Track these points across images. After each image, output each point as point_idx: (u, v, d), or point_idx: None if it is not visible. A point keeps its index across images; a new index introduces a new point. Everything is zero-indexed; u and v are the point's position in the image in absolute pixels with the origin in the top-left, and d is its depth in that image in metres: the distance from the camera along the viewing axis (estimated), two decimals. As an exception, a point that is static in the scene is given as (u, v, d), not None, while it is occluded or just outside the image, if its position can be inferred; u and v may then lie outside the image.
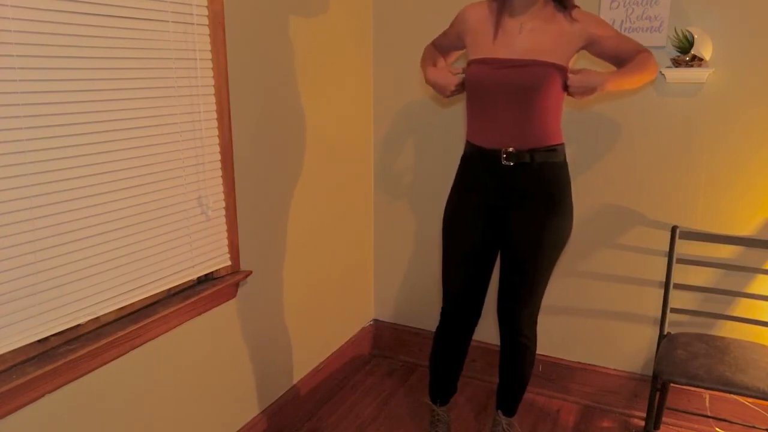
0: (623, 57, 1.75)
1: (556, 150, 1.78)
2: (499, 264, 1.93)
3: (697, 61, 2.03)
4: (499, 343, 2.02)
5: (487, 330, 2.59)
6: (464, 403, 2.51)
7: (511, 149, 1.74)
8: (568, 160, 2.36)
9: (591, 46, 1.76)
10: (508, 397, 2.06)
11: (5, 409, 1.29)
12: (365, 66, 2.59)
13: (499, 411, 2.10)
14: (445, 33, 1.95)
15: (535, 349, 1.98)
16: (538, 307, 1.92)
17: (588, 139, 2.30)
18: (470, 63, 1.77)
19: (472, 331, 2.02)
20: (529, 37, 1.71)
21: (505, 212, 1.82)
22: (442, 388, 2.13)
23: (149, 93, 1.55)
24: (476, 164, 1.83)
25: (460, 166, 1.92)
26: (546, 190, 1.79)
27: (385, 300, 2.88)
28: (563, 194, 1.81)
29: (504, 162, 1.75)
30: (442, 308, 2.00)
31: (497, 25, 1.73)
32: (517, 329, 1.92)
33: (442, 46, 1.98)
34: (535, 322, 1.94)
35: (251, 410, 2.12)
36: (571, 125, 2.32)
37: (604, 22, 1.79)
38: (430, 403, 2.18)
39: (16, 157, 1.27)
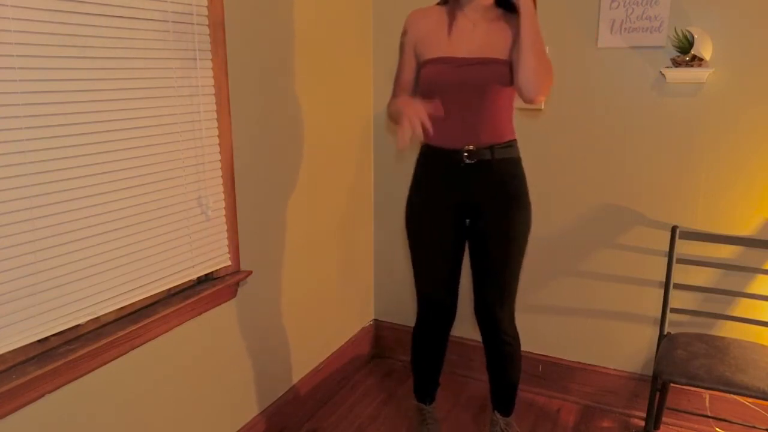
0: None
1: (512, 146, 1.83)
2: (469, 265, 1.95)
3: (697, 61, 2.03)
4: None
5: (487, 330, 2.59)
6: (463, 403, 2.51)
7: (471, 147, 1.76)
8: (571, 160, 2.37)
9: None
10: (502, 398, 2.07)
11: (5, 409, 1.29)
12: (365, 66, 2.59)
13: (496, 412, 2.10)
14: (401, 64, 1.86)
15: (520, 345, 1.99)
16: (514, 302, 1.95)
17: (588, 138, 2.30)
18: (427, 63, 1.77)
19: (451, 326, 2.05)
20: (483, 36, 1.75)
21: (471, 210, 1.85)
22: (430, 388, 2.16)
23: (149, 93, 1.55)
24: (437, 164, 1.82)
25: (417, 167, 1.91)
26: (507, 185, 1.83)
27: (385, 300, 2.88)
28: (523, 188, 1.85)
29: (466, 160, 1.77)
30: (420, 310, 2.02)
31: (451, 24, 1.75)
32: (499, 329, 1.93)
33: (404, 87, 1.87)
34: (514, 319, 1.96)
35: (251, 410, 2.12)
36: (570, 125, 2.32)
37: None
38: (419, 403, 2.20)
39: (16, 157, 1.26)
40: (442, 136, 1.78)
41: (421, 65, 1.79)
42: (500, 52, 1.74)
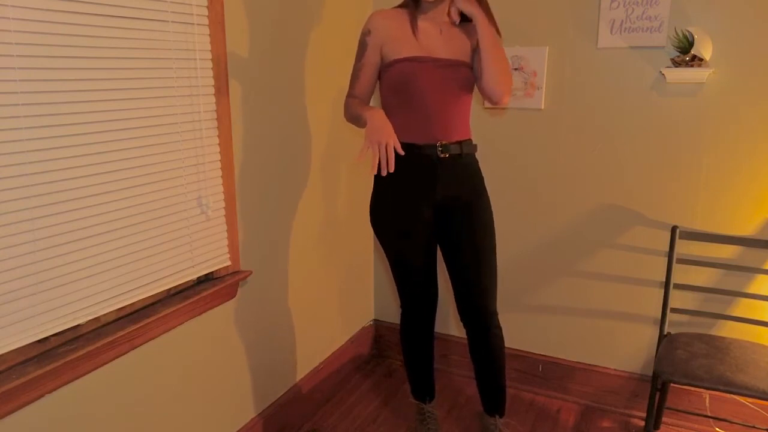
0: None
1: (472, 142, 1.92)
2: (445, 265, 1.98)
3: (697, 61, 2.03)
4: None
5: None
6: (463, 403, 2.51)
7: (445, 142, 1.83)
8: (571, 160, 2.38)
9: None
10: (499, 396, 2.07)
11: (5, 409, 1.29)
12: (365, 66, 2.58)
13: (496, 415, 2.09)
14: (360, 64, 1.85)
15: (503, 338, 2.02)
16: (497, 294, 1.99)
17: (588, 138, 2.30)
18: (401, 60, 1.78)
19: (434, 320, 2.10)
20: (449, 40, 1.83)
21: (444, 204, 1.89)
22: (428, 384, 2.18)
23: (149, 93, 1.55)
24: (409, 161, 1.83)
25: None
26: (474, 179, 1.92)
27: (385, 300, 2.88)
28: (483, 181, 1.95)
29: (441, 155, 1.82)
30: (405, 308, 2.06)
31: (415, 28, 1.80)
32: (491, 323, 1.96)
33: (363, 87, 1.87)
34: (497, 312, 1.99)
35: (251, 410, 2.12)
36: (570, 125, 2.32)
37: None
38: (419, 402, 2.22)
39: (17, 157, 1.27)
40: (415, 132, 1.82)
41: (390, 63, 1.80)
42: (466, 55, 1.84)
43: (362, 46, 1.84)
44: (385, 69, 1.82)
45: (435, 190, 1.86)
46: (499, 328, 1.98)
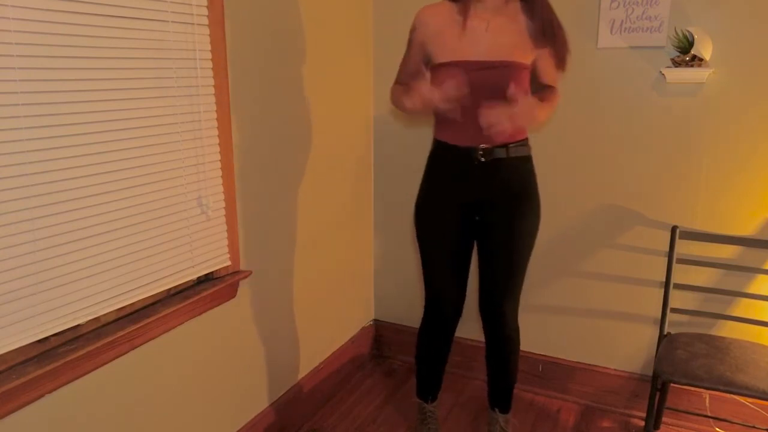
0: (544, 80, 1.85)
1: (525, 144, 1.85)
2: (476, 261, 1.96)
3: (697, 61, 2.03)
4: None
5: (487, 330, 2.59)
6: (464, 403, 2.51)
7: (486, 145, 1.78)
8: (571, 160, 2.37)
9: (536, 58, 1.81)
10: (502, 394, 2.08)
11: (5, 409, 1.29)
12: (365, 65, 2.59)
13: (496, 409, 2.10)
14: (407, 56, 1.88)
15: (520, 340, 2.02)
16: (519, 296, 1.97)
17: (588, 138, 2.30)
18: (440, 66, 1.76)
19: (456, 326, 2.07)
20: (495, 36, 1.74)
21: (481, 208, 1.86)
22: (434, 385, 2.17)
23: (149, 93, 1.55)
24: (450, 162, 1.84)
25: (430, 164, 1.92)
26: (519, 183, 1.85)
27: (385, 300, 2.88)
28: (533, 186, 1.88)
29: (480, 159, 1.78)
30: (427, 308, 2.04)
31: (464, 24, 1.74)
32: (503, 323, 1.95)
33: (409, 77, 1.87)
34: (517, 313, 1.98)
35: (251, 411, 2.12)
36: (570, 125, 2.32)
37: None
38: (421, 401, 2.21)
39: (17, 157, 1.26)
40: (457, 134, 1.80)
41: (434, 67, 1.78)
42: (514, 53, 1.74)
43: (409, 42, 1.87)
44: (431, 70, 1.80)
45: (472, 192, 1.83)
46: (517, 332, 1.98)
